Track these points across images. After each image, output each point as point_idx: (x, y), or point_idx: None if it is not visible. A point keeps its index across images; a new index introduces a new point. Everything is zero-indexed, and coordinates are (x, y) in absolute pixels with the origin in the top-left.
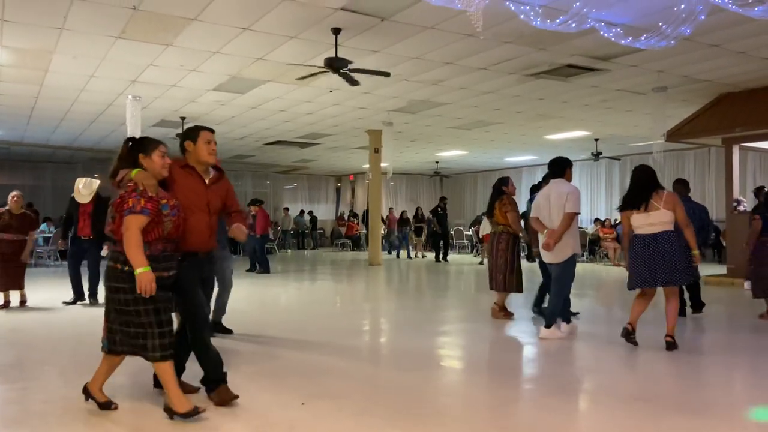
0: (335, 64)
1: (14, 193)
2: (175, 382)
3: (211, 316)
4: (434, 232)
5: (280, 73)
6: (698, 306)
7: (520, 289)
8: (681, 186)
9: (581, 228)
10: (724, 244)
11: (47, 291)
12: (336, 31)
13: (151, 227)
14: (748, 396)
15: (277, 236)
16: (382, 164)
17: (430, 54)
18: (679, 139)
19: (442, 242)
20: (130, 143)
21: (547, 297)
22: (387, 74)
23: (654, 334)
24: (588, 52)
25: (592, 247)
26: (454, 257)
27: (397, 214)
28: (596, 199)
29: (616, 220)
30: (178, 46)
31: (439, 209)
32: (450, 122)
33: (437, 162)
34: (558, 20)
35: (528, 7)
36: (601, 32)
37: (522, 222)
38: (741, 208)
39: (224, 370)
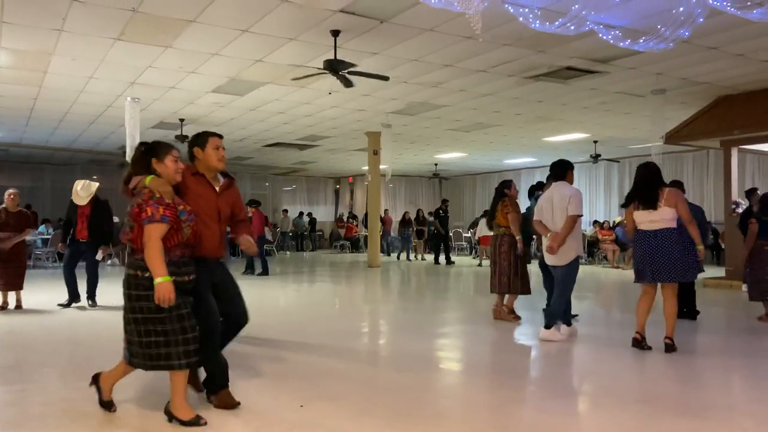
0: (335, 67)
1: (11, 190)
2: (184, 390)
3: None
4: (435, 234)
5: (280, 75)
6: (693, 314)
7: (526, 291)
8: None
9: None
10: (723, 246)
11: (46, 293)
12: (335, 33)
13: (170, 234)
14: (747, 398)
15: (276, 238)
16: (381, 166)
17: (429, 56)
18: (678, 142)
19: (443, 245)
20: (143, 148)
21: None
22: (386, 78)
23: (654, 335)
24: (587, 54)
25: (591, 249)
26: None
27: (395, 216)
28: (595, 202)
29: (614, 222)
30: (177, 48)
31: (441, 211)
32: (449, 124)
33: (436, 164)
34: (557, 22)
35: (527, 10)
36: (600, 35)
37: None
38: (740, 210)
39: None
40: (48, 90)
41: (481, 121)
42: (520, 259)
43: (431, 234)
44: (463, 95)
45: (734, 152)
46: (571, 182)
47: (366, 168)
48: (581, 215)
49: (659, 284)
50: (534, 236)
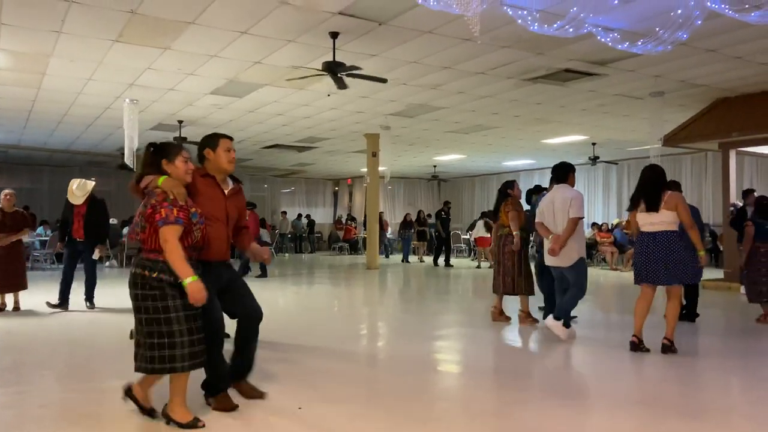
0: (334, 69)
1: (7, 191)
2: (183, 393)
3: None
4: (437, 236)
5: (278, 77)
6: (692, 316)
7: (530, 292)
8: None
9: None
10: (721, 249)
11: (44, 295)
12: (334, 35)
13: (181, 236)
14: (746, 400)
15: (275, 240)
16: (380, 168)
17: (427, 58)
18: (676, 144)
19: (444, 246)
20: (153, 149)
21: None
22: (384, 80)
23: (654, 337)
24: (585, 56)
25: (589, 251)
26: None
27: (394, 218)
28: (593, 204)
29: (613, 224)
30: (176, 50)
31: (443, 213)
32: (448, 126)
33: (435, 166)
34: (555, 25)
35: (525, 12)
36: (599, 37)
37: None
38: None
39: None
40: (46, 91)
41: (480, 123)
42: (522, 257)
43: (434, 236)
44: (462, 97)
45: (732, 154)
46: (572, 185)
47: (365, 170)
48: (582, 217)
49: (664, 286)
50: (531, 238)
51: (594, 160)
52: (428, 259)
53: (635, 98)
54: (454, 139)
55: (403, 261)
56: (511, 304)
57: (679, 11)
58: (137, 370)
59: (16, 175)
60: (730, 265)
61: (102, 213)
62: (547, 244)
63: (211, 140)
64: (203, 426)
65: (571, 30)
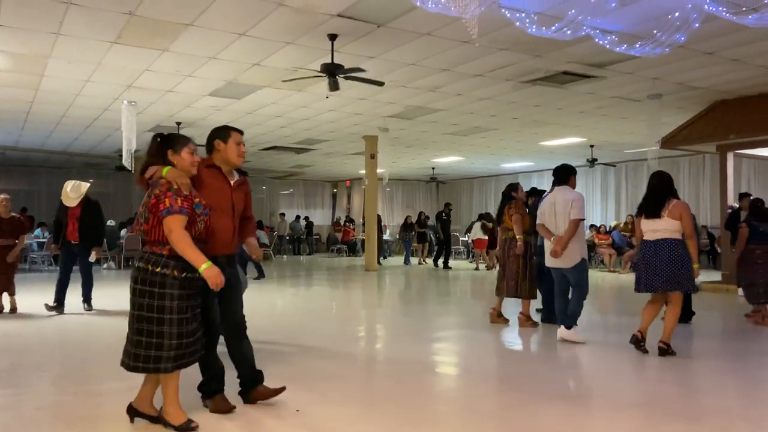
0: (332, 70)
1: (2, 196)
2: (175, 394)
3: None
4: (436, 238)
5: (277, 78)
6: (688, 316)
7: (533, 295)
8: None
9: None
10: (719, 251)
11: (41, 296)
12: (332, 37)
13: (186, 227)
14: (744, 402)
15: (273, 242)
16: (379, 170)
17: (426, 60)
18: (674, 146)
19: (443, 248)
20: (159, 140)
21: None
22: (381, 83)
23: (654, 340)
24: (583, 59)
25: (588, 253)
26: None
27: (392, 220)
28: (591, 206)
29: (611, 226)
30: (174, 52)
31: (444, 214)
32: (446, 128)
33: (433, 168)
34: (553, 27)
35: (523, 15)
36: (596, 39)
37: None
38: None
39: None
40: (45, 93)
41: (478, 125)
42: (529, 262)
43: (433, 238)
44: (460, 99)
45: (730, 157)
46: (573, 187)
47: (363, 171)
48: (584, 219)
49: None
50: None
51: (592, 162)
52: (429, 261)
53: (633, 100)
54: (452, 141)
55: (404, 263)
56: (511, 307)
57: (677, 14)
58: (122, 365)
59: (13, 176)
60: (728, 267)
61: (97, 215)
62: (548, 246)
63: (223, 132)
64: (196, 427)
65: (569, 32)
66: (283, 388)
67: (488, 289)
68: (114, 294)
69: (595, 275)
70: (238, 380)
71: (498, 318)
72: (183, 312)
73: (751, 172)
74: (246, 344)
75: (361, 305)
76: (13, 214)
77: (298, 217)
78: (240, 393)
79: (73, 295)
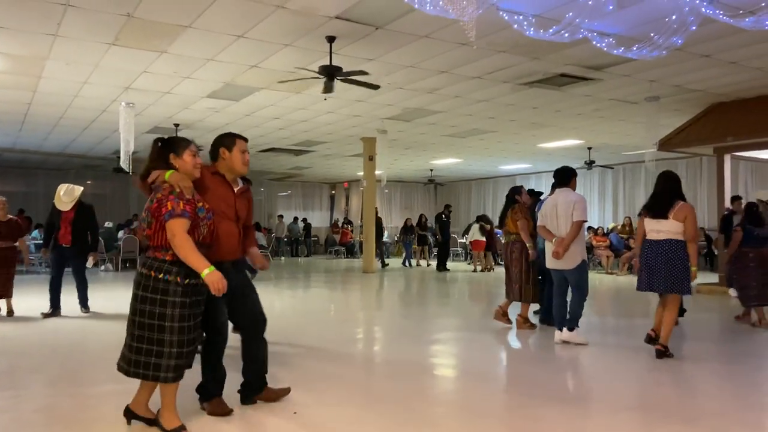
0: (331, 72)
1: None
2: (172, 398)
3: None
4: (435, 239)
5: (275, 80)
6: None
7: (535, 300)
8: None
9: None
10: (716, 253)
11: (38, 299)
12: (331, 39)
13: (189, 231)
14: (740, 405)
15: (271, 243)
16: (377, 172)
17: (424, 62)
18: (671, 149)
19: (442, 250)
20: (160, 144)
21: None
22: (376, 87)
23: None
24: (581, 61)
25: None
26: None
27: (391, 222)
28: (589, 208)
29: (608, 228)
30: (172, 53)
31: (444, 216)
32: (444, 130)
33: (431, 170)
34: (551, 30)
35: (521, 17)
36: (594, 42)
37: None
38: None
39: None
40: (42, 95)
41: (476, 127)
42: (532, 266)
43: (430, 240)
44: (459, 101)
45: (727, 159)
46: (574, 189)
47: (361, 173)
48: (586, 221)
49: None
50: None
51: (590, 164)
52: (427, 263)
53: (630, 103)
54: (450, 143)
55: (403, 265)
56: (513, 309)
57: (674, 17)
58: (119, 370)
59: (11, 178)
60: (725, 269)
61: (90, 219)
62: (548, 248)
63: (228, 140)
64: None
65: (566, 35)
66: (288, 389)
67: (486, 291)
68: (111, 296)
69: (592, 277)
70: (244, 379)
71: (501, 317)
72: (184, 320)
73: (748, 175)
74: (261, 345)
75: (359, 307)
76: (11, 216)
77: (296, 218)
78: (240, 392)
79: (70, 298)
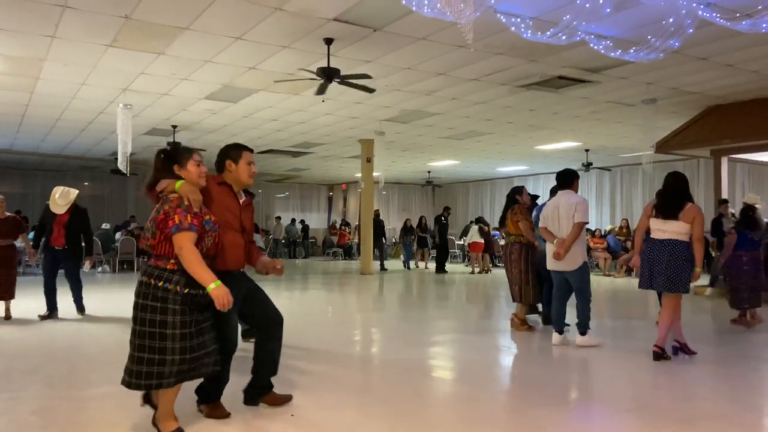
0: (329, 74)
1: None
2: (171, 401)
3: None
4: (433, 241)
5: (273, 82)
6: None
7: (535, 302)
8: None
9: None
10: (713, 255)
11: (35, 301)
12: (329, 41)
13: (195, 243)
14: (739, 407)
15: (269, 245)
16: (375, 173)
17: (422, 65)
18: (669, 151)
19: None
20: (163, 155)
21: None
22: (371, 90)
23: (646, 343)
24: (578, 64)
25: None
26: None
27: (388, 223)
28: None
29: (606, 230)
30: (170, 55)
31: (443, 218)
32: (442, 132)
33: (429, 171)
34: (548, 32)
35: (519, 20)
36: (591, 45)
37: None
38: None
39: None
40: (40, 96)
41: (474, 130)
42: (530, 266)
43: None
44: (456, 103)
45: (724, 161)
46: (576, 191)
47: (359, 175)
48: (587, 222)
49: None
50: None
51: (587, 166)
52: (425, 265)
53: (628, 105)
54: (448, 145)
55: (404, 266)
56: (509, 310)
57: (671, 19)
58: (123, 383)
59: (8, 179)
60: (714, 271)
61: (84, 222)
62: (550, 249)
63: (234, 152)
64: None
65: (564, 37)
66: (290, 396)
67: (483, 293)
68: (108, 298)
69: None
70: (253, 379)
71: (521, 327)
72: (186, 327)
73: (745, 177)
74: (275, 345)
75: (357, 309)
76: (9, 214)
77: (293, 220)
78: (246, 392)
79: (66, 299)
